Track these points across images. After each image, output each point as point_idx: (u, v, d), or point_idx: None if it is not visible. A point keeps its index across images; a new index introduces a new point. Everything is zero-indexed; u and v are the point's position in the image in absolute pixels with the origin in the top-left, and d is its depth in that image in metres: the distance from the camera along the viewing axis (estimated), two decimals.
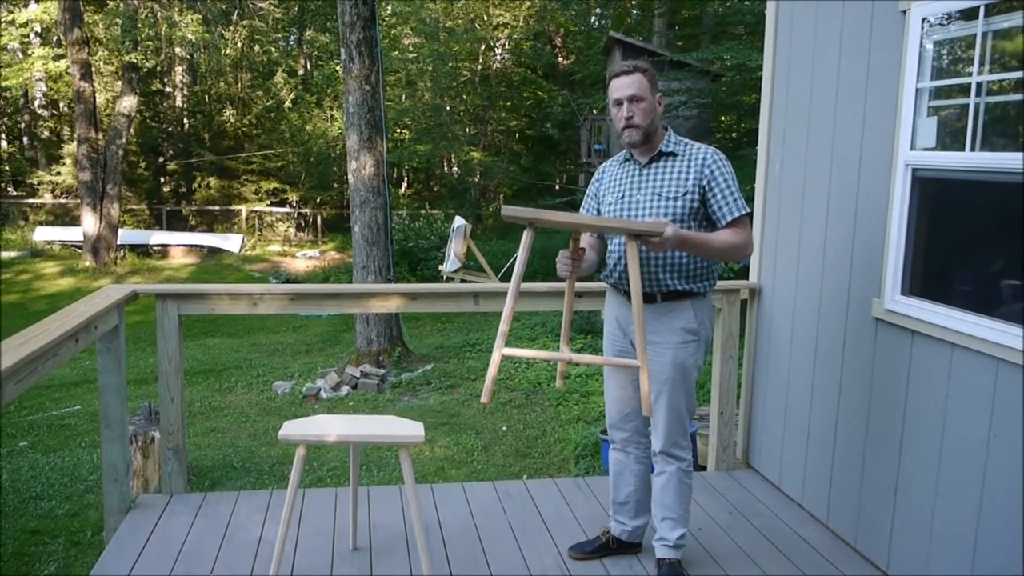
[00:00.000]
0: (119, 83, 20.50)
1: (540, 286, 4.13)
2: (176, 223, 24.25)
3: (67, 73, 19.99)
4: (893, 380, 3.19)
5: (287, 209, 25.41)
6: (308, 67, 27.82)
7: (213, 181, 25.27)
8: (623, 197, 3.04)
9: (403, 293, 4.09)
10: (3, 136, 25.49)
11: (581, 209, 3.24)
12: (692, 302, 3.01)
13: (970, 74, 2.83)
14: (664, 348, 3.00)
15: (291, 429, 3.00)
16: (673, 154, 2.99)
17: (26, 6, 21.55)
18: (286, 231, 24.84)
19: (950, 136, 2.97)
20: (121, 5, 18.90)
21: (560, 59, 24.53)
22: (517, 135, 25.79)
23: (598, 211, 3.16)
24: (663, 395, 3.04)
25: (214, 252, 21.34)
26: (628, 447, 3.24)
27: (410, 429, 3.05)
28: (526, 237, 2.74)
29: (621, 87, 2.94)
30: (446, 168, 26.37)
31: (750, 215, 2.96)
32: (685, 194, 2.92)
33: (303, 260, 21.19)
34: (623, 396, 3.19)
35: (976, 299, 2.83)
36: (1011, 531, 2.59)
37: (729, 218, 2.92)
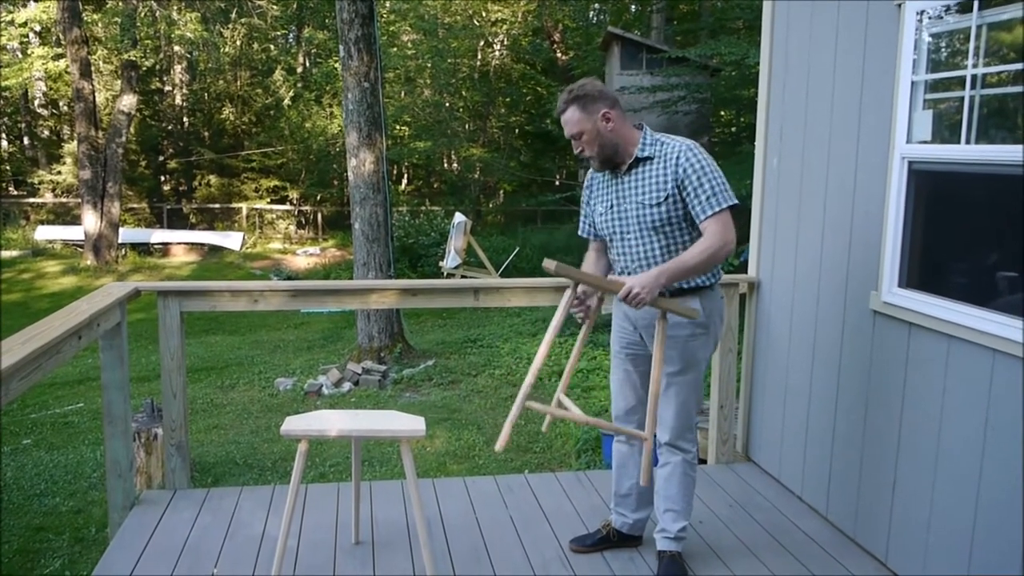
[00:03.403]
0: (119, 82, 20.51)
1: (541, 281, 4.15)
2: (177, 221, 24.26)
3: (67, 72, 20.00)
4: (891, 372, 3.21)
5: (287, 207, 25.42)
6: (307, 64, 27.82)
7: (213, 179, 25.28)
8: (611, 207, 3.03)
9: (403, 289, 4.10)
10: (3, 136, 25.50)
11: (581, 215, 3.24)
12: (700, 296, 3.02)
13: (966, 67, 2.85)
14: (673, 341, 3.01)
15: (293, 424, 3.02)
16: (650, 158, 2.91)
17: (25, 6, 21.56)
18: (287, 229, 24.84)
19: (946, 129, 2.99)
20: (120, 4, 18.91)
21: (559, 55, 24.53)
22: (516, 131, 25.79)
23: (593, 222, 3.15)
24: (672, 387, 3.06)
25: (215, 250, 21.36)
26: (632, 439, 3.26)
27: (411, 423, 3.07)
28: (567, 296, 2.83)
29: (564, 126, 2.93)
30: (446, 164, 26.38)
31: (733, 206, 2.84)
32: (667, 198, 2.87)
33: (304, 257, 21.22)
34: (626, 392, 3.21)
35: (973, 291, 2.85)
36: (1008, 522, 2.61)
37: (703, 217, 2.83)
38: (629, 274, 3.03)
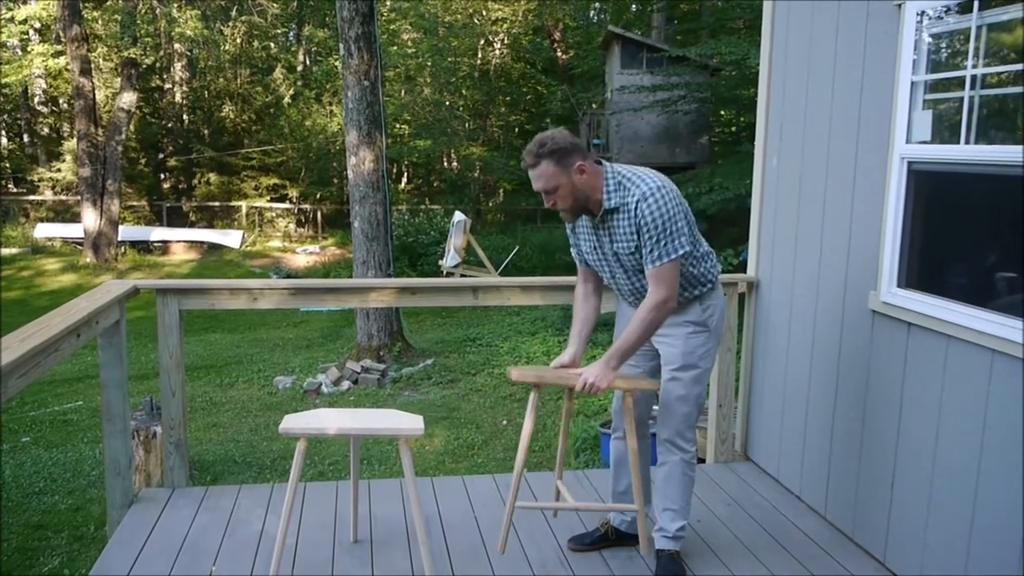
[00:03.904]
0: (118, 79, 20.49)
1: (539, 280, 4.16)
2: (176, 219, 24.24)
3: (67, 70, 19.99)
4: (889, 372, 3.21)
5: (287, 205, 25.40)
6: (307, 62, 27.81)
7: (213, 177, 25.26)
8: (595, 248, 3.05)
9: (402, 287, 4.10)
10: (3, 133, 25.48)
11: (570, 241, 3.20)
12: (700, 300, 3.05)
13: (966, 67, 2.84)
14: (674, 339, 3.06)
15: (292, 423, 3.02)
16: (616, 209, 2.88)
17: (25, 3, 21.55)
18: (286, 227, 24.82)
19: (946, 129, 2.99)
20: (120, 1, 18.90)
21: (559, 54, 24.54)
22: (516, 130, 25.79)
23: (580, 250, 3.14)
24: (672, 383, 3.08)
25: (215, 248, 21.34)
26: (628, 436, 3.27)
27: (410, 422, 3.07)
28: (532, 399, 2.96)
29: (533, 180, 2.88)
30: (446, 163, 26.37)
31: (678, 256, 2.83)
32: (638, 247, 2.88)
33: (303, 256, 21.21)
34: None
35: (972, 291, 2.85)
36: (1007, 522, 2.61)
37: (647, 269, 2.86)
38: (628, 304, 3.11)
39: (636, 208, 2.82)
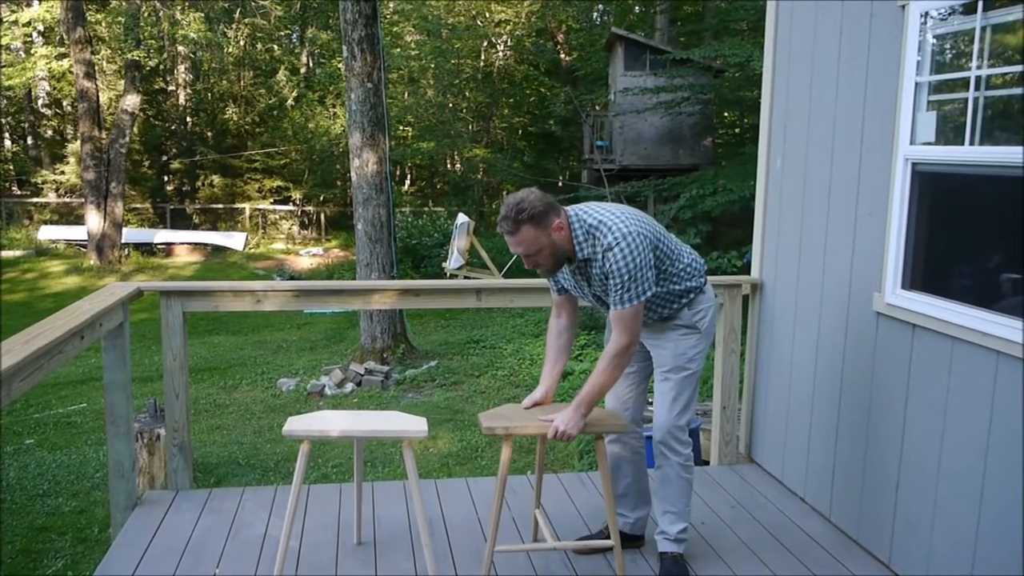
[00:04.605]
0: (122, 82, 20.53)
1: (543, 282, 4.14)
2: (180, 222, 24.28)
3: (70, 72, 20.03)
4: (894, 374, 3.20)
5: (291, 207, 25.44)
6: (310, 65, 27.84)
7: (217, 179, 25.29)
8: (576, 287, 3.06)
9: (406, 289, 4.10)
10: (7, 135, 25.54)
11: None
12: (689, 304, 3.07)
13: (970, 68, 2.84)
14: (665, 342, 3.08)
15: (295, 425, 3.02)
16: (589, 260, 2.90)
17: (29, 5, 21.60)
18: (290, 229, 24.86)
19: (950, 130, 2.98)
20: (124, 4, 18.94)
21: (562, 55, 24.52)
22: (520, 132, 25.79)
23: (562, 287, 3.13)
24: (662, 384, 3.09)
25: (218, 250, 21.38)
26: (624, 437, 3.27)
27: (413, 424, 3.07)
28: (505, 452, 2.97)
29: (513, 246, 2.87)
30: (449, 165, 26.38)
31: (641, 302, 2.85)
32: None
33: (307, 258, 21.23)
34: (620, 387, 3.22)
35: (976, 293, 2.84)
36: (1012, 523, 2.60)
37: (612, 311, 2.89)
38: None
39: (605, 259, 2.84)
